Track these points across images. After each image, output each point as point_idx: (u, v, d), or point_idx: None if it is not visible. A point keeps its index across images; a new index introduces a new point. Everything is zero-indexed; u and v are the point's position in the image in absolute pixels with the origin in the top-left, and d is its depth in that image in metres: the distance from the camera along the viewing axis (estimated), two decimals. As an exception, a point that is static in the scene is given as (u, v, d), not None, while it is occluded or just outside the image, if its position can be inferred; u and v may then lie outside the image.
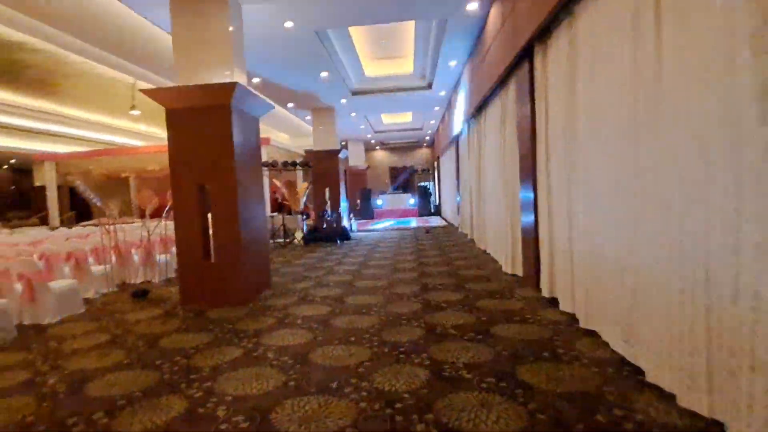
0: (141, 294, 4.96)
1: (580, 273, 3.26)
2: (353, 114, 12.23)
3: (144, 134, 14.92)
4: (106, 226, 5.34)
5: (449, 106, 11.43)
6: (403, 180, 20.66)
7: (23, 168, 17.49)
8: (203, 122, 4.46)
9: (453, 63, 7.99)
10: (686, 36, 1.98)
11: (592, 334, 3.06)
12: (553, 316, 3.59)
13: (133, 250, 6.17)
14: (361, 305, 4.28)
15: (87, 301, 5.03)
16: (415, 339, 3.23)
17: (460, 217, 10.80)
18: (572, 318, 3.45)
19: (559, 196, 3.72)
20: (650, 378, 2.27)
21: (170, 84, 5.55)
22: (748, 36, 1.60)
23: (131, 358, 3.16)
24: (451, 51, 7.38)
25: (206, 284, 4.55)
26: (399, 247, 8.39)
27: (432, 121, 14.83)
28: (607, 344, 2.84)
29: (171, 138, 4.51)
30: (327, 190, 10.67)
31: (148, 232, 5.47)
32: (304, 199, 12.02)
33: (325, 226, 10.27)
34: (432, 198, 18.28)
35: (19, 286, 4.19)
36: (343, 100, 10.35)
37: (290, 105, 10.56)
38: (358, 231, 12.35)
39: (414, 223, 14.35)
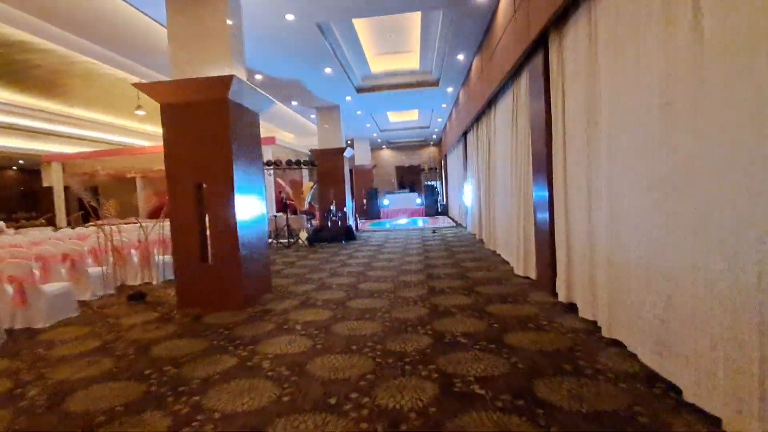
0: (137, 297, 4.79)
1: (603, 277, 2.99)
2: (359, 112, 12.02)
3: (150, 134, 14.87)
4: (102, 227, 5.17)
5: (457, 102, 11.16)
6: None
7: (31, 169, 17.61)
8: (200, 118, 4.27)
9: (461, 57, 7.72)
10: (732, 15, 1.71)
11: (617, 345, 2.79)
12: (572, 323, 3.32)
13: (133, 251, 6.03)
14: (365, 310, 4.06)
15: (83, 303, 4.88)
16: (421, 348, 2.99)
17: (468, 216, 10.52)
18: (593, 326, 3.19)
19: (579, 194, 3.45)
20: (689, 398, 2.01)
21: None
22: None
23: (119, 366, 2.97)
24: (459, 44, 7.11)
25: (204, 287, 4.36)
26: (405, 248, 8.15)
27: (439, 119, 14.56)
28: (634, 356, 2.57)
29: (166, 135, 4.33)
30: (332, 189, 10.47)
31: (145, 232, 5.30)
32: (309, 198, 11.84)
33: (330, 226, 10.07)
34: (439, 197, 17.99)
35: (10, 289, 4.04)
36: (348, 98, 10.14)
37: (294, 103, 10.37)
38: (364, 231, 12.14)
39: (421, 222, 14.10)
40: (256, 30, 5.88)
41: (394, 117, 14.76)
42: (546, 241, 4.23)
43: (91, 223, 8.64)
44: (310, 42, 6.51)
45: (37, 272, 5.08)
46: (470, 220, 10.17)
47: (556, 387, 2.29)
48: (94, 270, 5.26)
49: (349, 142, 18.18)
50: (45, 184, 15.93)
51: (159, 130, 4.42)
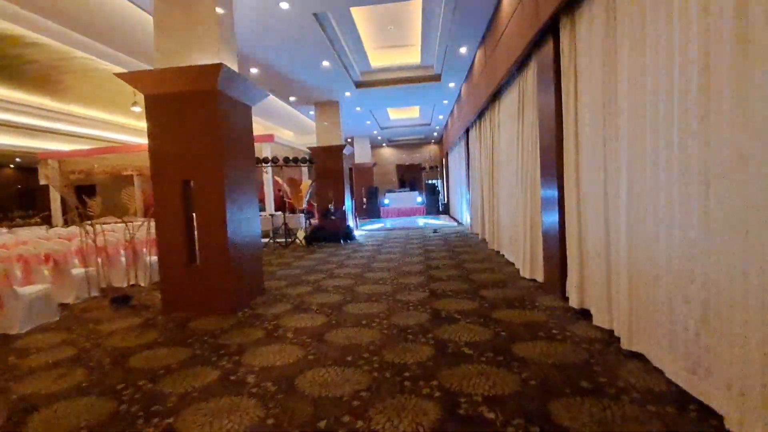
0: (122, 300, 4.53)
1: (622, 281, 2.71)
2: (358, 108, 11.74)
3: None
4: (84, 226, 4.92)
5: (459, 98, 10.87)
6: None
7: (28, 167, 17.38)
8: (187, 110, 4.00)
9: (463, 50, 7.44)
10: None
11: (639, 358, 2.52)
12: (586, 332, 3.05)
13: (122, 251, 5.77)
14: (362, 315, 3.79)
15: (65, 307, 4.64)
16: (423, 360, 2.72)
17: (470, 215, 10.24)
18: (610, 335, 2.91)
19: (594, 191, 3.18)
20: (732, 426, 1.74)
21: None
22: None
23: (91, 380, 2.71)
24: (462, 36, 6.83)
25: (191, 291, 4.10)
26: (405, 248, 7.88)
27: (440, 116, 14.27)
28: (660, 372, 2.30)
29: (151, 128, 4.06)
30: (330, 188, 10.21)
31: (131, 231, 5.04)
32: (308, 197, 11.59)
33: (328, 225, 9.81)
34: (440, 196, 17.72)
35: (-17, 293, 3.78)
36: (348, 94, 9.86)
37: (292, 99, 10.09)
38: (364, 230, 11.87)
39: (421, 222, 13.83)
40: (249, 20, 5.61)
41: (395, 114, 14.48)
42: (555, 242, 3.95)
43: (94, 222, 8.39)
44: (306, 33, 6.24)
45: (18, 273, 4.85)
46: (473, 220, 9.89)
47: (576, 409, 2.02)
48: (77, 271, 5.00)
49: (348, 140, 17.91)
50: (42, 182, 15.70)
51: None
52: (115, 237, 5.90)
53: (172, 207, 4.06)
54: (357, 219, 12.37)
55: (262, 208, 14.05)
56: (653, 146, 2.33)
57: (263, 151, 13.05)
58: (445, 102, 11.70)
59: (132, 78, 3.97)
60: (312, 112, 11.19)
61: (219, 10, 4.22)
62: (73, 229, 9.29)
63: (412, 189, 19.28)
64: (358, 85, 9.44)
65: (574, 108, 3.53)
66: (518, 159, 5.21)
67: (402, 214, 17.05)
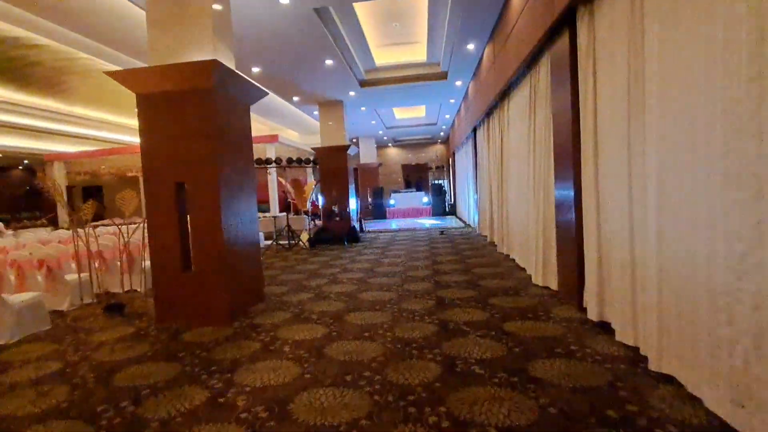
0: (115, 308, 4.36)
1: (650, 294, 2.45)
2: (363, 108, 11.52)
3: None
4: (76, 230, 4.76)
5: (466, 96, 10.60)
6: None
7: (36, 168, 17.45)
8: (180, 109, 3.81)
9: (471, 46, 7.18)
10: None
11: (671, 382, 2.26)
12: (608, 348, 2.79)
13: (123, 257, 5.61)
14: (365, 326, 3.56)
15: (59, 314, 4.48)
16: (429, 381, 2.48)
17: (478, 217, 9.97)
18: (635, 354, 2.65)
19: (616, 193, 2.92)
20: (793, 474, 1.48)
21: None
22: None
23: (72, 399, 2.52)
24: (470, 31, 6.56)
25: (185, 299, 3.91)
26: (411, 251, 7.64)
27: (447, 116, 14.00)
28: (698, 401, 2.04)
29: (143, 128, 3.88)
30: (335, 188, 10.00)
31: (125, 235, 4.87)
32: (313, 197, 11.40)
33: (332, 226, 9.61)
34: (447, 197, 17.43)
35: (-31, 302, 3.63)
36: (352, 93, 9.65)
37: (296, 99, 9.91)
38: (369, 231, 11.66)
39: (428, 223, 13.57)
40: (248, 17, 5.41)
41: (401, 113, 14.24)
42: (571, 247, 3.69)
43: (100, 223, 8.29)
44: (308, 30, 6.03)
45: (12, 279, 4.71)
46: (480, 221, 9.62)
47: (603, 446, 1.77)
48: (73, 277, 4.84)
49: (354, 140, 17.71)
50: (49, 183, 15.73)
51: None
52: (113, 240, 5.75)
53: (165, 211, 3.87)
54: (362, 220, 12.15)
55: (267, 210, 13.93)
56: (690, 145, 2.07)
57: (267, 151, 12.89)
58: (452, 101, 11.44)
59: (123, 76, 3.78)
60: (316, 112, 11.00)
61: (216, 7, 4.03)
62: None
63: (418, 189, 19.02)
64: (363, 84, 9.23)
65: (593, 105, 3.26)
66: (529, 159, 4.95)
67: (408, 215, 16.81)
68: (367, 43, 7.59)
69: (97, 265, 5.52)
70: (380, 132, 16.70)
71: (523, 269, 5.40)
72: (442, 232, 10.42)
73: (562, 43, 3.77)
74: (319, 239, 9.28)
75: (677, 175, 2.19)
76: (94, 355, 3.24)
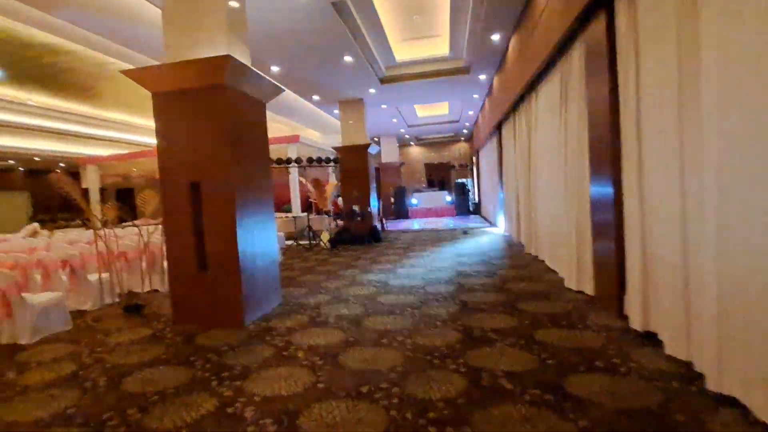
0: (134, 309, 4.34)
1: (707, 303, 2.13)
2: (384, 106, 11.33)
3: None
4: (98, 231, 4.79)
5: (490, 91, 10.23)
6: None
7: (72, 171, 18.26)
8: (194, 107, 3.73)
9: (496, 37, 6.85)
10: None
11: (734, 405, 1.94)
12: (656, 363, 2.47)
13: (144, 256, 5.65)
14: (383, 332, 3.36)
15: (81, 314, 4.51)
16: (452, 396, 2.26)
17: (504, 216, 9.59)
18: (688, 369, 2.33)
19: (664, 189, 2.59)
20: None
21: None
22: None
23: (81, 405, 2.44)
24: (494, 22, 6.25)
25: (201, 301, 3.83)
26: (434, 251, 7.38)
27: (470, 112, 13.62)
28: (766, 426, 1.72)
29: (158, 128, 3.83)
30: (355, 188, 9.86)
31: (144, 236, 4.87)
32: (332, 198, 11.31)
33: (353, 226, 9.47)
34: (470, 195, 17.00)
35: (-7, 301, 3.66)
36: (372, 90, 9.48)
37: (316, 98, 9.83)
38: (391, 231, 11.46)
39: (451, 223, 13.24)
40: (265, 14, 5.33)
41: (422, 111, 13.98)
42: (610, 248, 3.36)
43: (130, 224, 8.50)
44: (326, 26, 5.89)
45: (39, 278, 4.79)
46: (506, 221, 9.24)
47: (660, 485, 1.49)
48: (95, 277, 4.87)
49: (375, 139, 17.57)
50: (83, 185, 16.40)
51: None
52: (136, 241, 5.79)
53: (181, 211, 3.80)
54: (383, 220, 11.97)
55: (289, 210, 13.97)
56: (758, 133, 1.75)
57: (289, 151, 12.92)
58: (476, 96, 11.08)
59: (138, 75, 3.74)
60: (337, 111, 10.90)
61: (232, 4, 3.94)
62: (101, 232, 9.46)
63: (441, 188, 18.67)
64: (383, 80, 9.04)
65: (635, 93, 2.94)
66: (561, 154, 4.61)
67: (430, 215, 16.50)
68: (387, 38, 7.39)
69: (120, 265, 5.59)
70: (402, 130, 16.48)
71: (554, 272, 5.06)
72: (465, 232, 10.09)
73: (598, 27, 3.45)
74: (340, 239, 9.16)
75: (743, 169, 1.87)
76: (109, 358, 3.19)
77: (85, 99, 11.91)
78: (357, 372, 2.64)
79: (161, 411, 2.31)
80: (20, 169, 17.05)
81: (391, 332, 3.34)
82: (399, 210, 16.58)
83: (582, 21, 3.71)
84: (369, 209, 9.94)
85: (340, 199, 11.01)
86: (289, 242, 9.59)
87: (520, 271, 5.32)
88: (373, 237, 9.36)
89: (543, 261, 5.72)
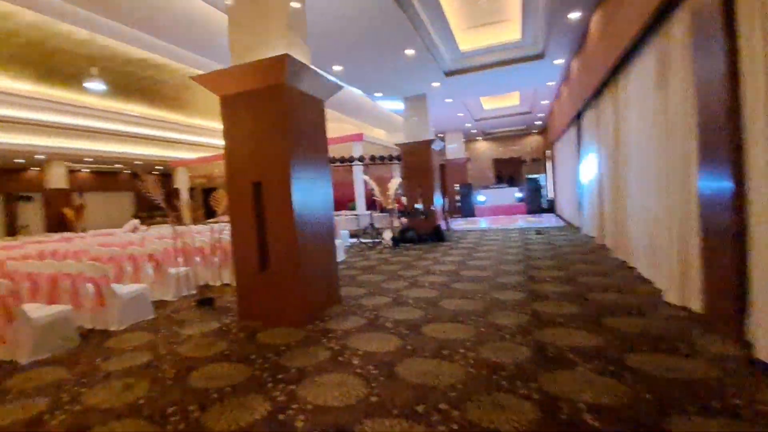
0: (206, 302, 4.60)
1: None
2: (448, 100, 10.91)
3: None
4: (176, 227, 5.17)
5: (567, 77, 9.30)
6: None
7: (166, 173, 20.56)
8: (256, 108, 3.80)
9: (575, 15, 6.13)
10: None
11: None
12: (802, 411, 1.90)
13: (218, 252, 6.03)
14: (444, 341, 3.11)
15: (163, 304, 4.89)
16: (521, 427, 1.94)
17: (584, 214, 8.67)
18: None
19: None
20: None
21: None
22: None
23: (149, 396, 2.56)
24: (574, -2, 5.58)
25: (263, 298, 3.90)
26: (502, 253, 6.88)
27: (545, 101, 12.58)
28: None
29: (225, 130, 3.97)
30: (419, 185, 9.62)
31: (217, 233, 5.14)
32: (396, 195, 11.20)
33: (416, 225, 9.25)
34: (543, 192, 15.80)
35: (91, 288, 4.09)
36: (436, 84, 9.14)
37: (378, 95, 9.76)
38: (455, 230, 11.03)
39: (522, 221, 12.38)
40: (326, 13, 5.32)
41: (490, 103, 13.25)
42: (727, 258, 2.73)
43: (212, 220, 9.32)
44: (385, 18, 5.73)
45: (130, 270, 5.30)
46: (587, 220, 8.34)
47: None
48: (176, 270, 5.28)
49: (440, 135, 17.13)
50: (175, 186, 18.35)
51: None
52: (210, 237, 6.18)
53: (244, 210, 3.90)
54: (448, 218, 11.58)
55: (354, 208, 14.19)
56: None
57: (353, 150, 13.10)
58: (550, 84, 10.17)
59: (206, 80, 3.91)
60: (400, 108, 10.73)
61: (294, 5, 3.94)
62: (186, 228, 10.38)
63: (511, 185, 17.62)
64: (448, 73, 8.65)
65: (764, 66, 2.31)
66: (658, 143, 3.92)
67: (499, 213, 15.66)
68: (450, 26, 7.01)
69: (199, 259, 6.01)
70: (468, 125, 15.83)
71: (649, 281, 4.35)
72: (538, 232, 9.32)
73: (712, -14, 2.81)
74: (403, 238, 9.01)
75: None
76: (180, 349, 3.36)
77: (174, 107, 13.22)
78: (413, 387, 2.43)
79: (218, 411, 2.32)
80: (125, 171, 19.47)
81: (453, 343, 3.07)
82: (465, 208, 15.98)
83: (689, -18, 3.07)
84: (433, 207, 9.64)
85: (404, 198, 10.86)
86: (353, 240, 9.67)
87: (604, 279, 4.67)
88: (436, 236, 9.06)
89: (634, 268, 4.98)
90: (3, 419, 2.39)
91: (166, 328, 3.96)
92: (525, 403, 2.15)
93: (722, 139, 2.73)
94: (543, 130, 17.67)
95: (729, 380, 2.23)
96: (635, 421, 1.92)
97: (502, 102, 13.22)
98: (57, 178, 14.69)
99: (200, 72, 8.50)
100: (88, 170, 18.17)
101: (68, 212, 14.72)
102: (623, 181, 5.41)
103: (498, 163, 19.22)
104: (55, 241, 8.65)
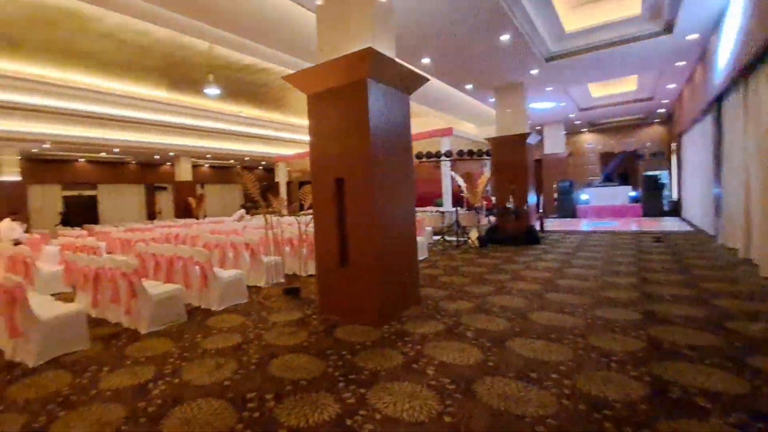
0: (292, 292, 4.83)
1: None
2: (549, 88, 9.90)
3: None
4: (269, 219, 5.51)
5: (703, 56, 7.69)
6: (614, 167, 16.11)
7: (269, 168, 22.67)
8: (340, 104, 3.80)
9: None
10: None
11: None
12: None
13: (305, 244, 6.34)
14: (533, 361, 2.73)
15: (257, 290, 5.28)
16: (632, 490, 1.55)
17: (721, 221, 7.13)
18: None
19: None
20: None
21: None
22: None
23: (234, 379, 2.71)
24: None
25: (342, 294, 3.93)
26: (609, 262, 5.99)
27: (671, 85, 10.66)
28: None
29: (311, 127, 4.06)
30: (510, 182, 8.93)
31: (304, 225, 5.36)
32: (486, 192, 10.59)
33: (507, 224, 8.61)
34: (666, 192, 13.51)
35: (198, 270, 4.57)
36: (534, 72, 8.33)
37: (468, 87, 9.27)
38: (551, 232, 10.03)
39: (636, 226, 10.74)
40: (412, 4, 5.12)
41: (599, 90, 11.71)
42: None
43: (306, 212, 9.99)
44: (477, 3, 5.31)
45: (231, 256, 5.85)
46: (725, 227, 6.83)
47: None
48: (268, 259, 5.66)
49: (537, 128, 15.78)
50: (276, 180, 20.12)
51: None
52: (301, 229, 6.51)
53: (327, 206, 3.96)
54: (543, 218, 10.58)
55: (440, 204, 13.87)
56: None
57: (442, 145, 12.76)
58: (681, 64, 8.54)
59: (296, 79, 4.03)
60: (492, 99, 10.08)
61: (382, -1, 3.85)
62: (277, 220, 11.20)
63: (623, 183, 15.44)
64: (549, 58, 7.80)
65: None
66: None
67: (605, 214, 13.86)
68: (553, 4, 6.26)
69: (288, 249, 6.39)
70: (571, 115, 14.26)
71: (821, 312, 3.32)
72: (658, 239, 7.93)
73: None
74: (491, 238, 8.47)
75: None
76: (265, 335, 3.54)
77: (276, 108, 14.39)
78: (493, 412, 2.15)
79: (291, 404, 2.35)
80: (237, 166, 21.89)
81: (544, 365, 2.68)
82: (563, 207, 14.50)
83: None
84: (526, 206, 8.87)
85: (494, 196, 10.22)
86: (437, 237, 9.42)
87: (749, 304, 3.71)
88: (529, 238, 8.32)
89: (796, 292, 3.87)
90: (116, 383, 2.75)
91: (256, 313, 4.24)
92: (637, 458, 1.73)
93: None
94: (667, 119, 15.10)
95: None
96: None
97: (614, 88, 11.58)
98: (184, 171, 17.15)
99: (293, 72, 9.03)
100: (207, 165, 20.89)
101: (192, 201, 17.10)
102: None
103: (606, 157, 17.00)
104: (179, 227, 10.06)
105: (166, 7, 5.16)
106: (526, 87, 9.25)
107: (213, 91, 10.09)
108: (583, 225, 11.62)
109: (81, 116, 10.58)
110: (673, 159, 13.66)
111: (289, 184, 19.55)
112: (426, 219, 9.19)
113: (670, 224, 10.57)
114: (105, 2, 5.52)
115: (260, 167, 23.26)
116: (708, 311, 3.56)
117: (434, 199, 15.65)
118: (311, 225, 5.62)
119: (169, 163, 18.67)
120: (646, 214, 12.98)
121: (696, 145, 9.51)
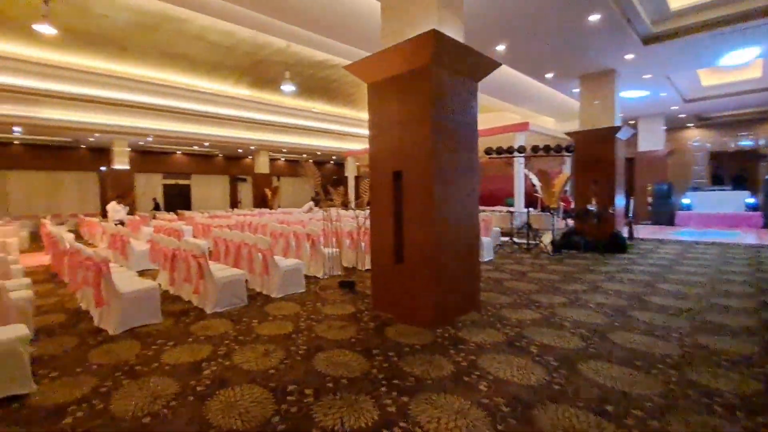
0: (347, 285, 4.79)
1: None
2: (647, 76, 8.66)
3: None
4: (329, 213, 5.52)
5: None
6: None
7: (340, 162, 23.36)
8: (400, 93, 3.61)
9: None
10: None
11: None
12: None
13: (363, 238, 6.30)
14: (610, 392, 2.31)
15: (315, 280, 5.36)
16: None
17: None
18: None
19: None
20: None
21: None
22: None
23: (279, 370, 2.70)
24: None
25: (396, 292, 3.76)
26: (716, 279, 5.02)
27: (813, 69, 8.69)
28: None
29: (370, 118, 3.93)
30: (593, 183, 8.00)
31: (363, 219, 5.29)
32: (564, 193, 9.66)
33: (587, 229, 7.74)
34: (797, 199, 11.16)
35: (260, 257, 4.74)
36: (629, 56, 7.30)
37: (549, 76, 8.45)
38: (641, 240, 8.82)
39: (753, 238, 9.02)
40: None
41: (711, 78, 10.01)
42: None
43: (353, 209, 10.11)
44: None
45: (293, 245, 6.01)
46: None
47: None
48: (328, 251, 5.71)
49: (630, 122, 14.04)
50: (345, 174, 20.65)
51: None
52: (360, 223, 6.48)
53: (383, 200, 3.81)
54: (632, 224, 9.34)
55: (511, 203, 13.04)
56: None
57: (516, 140, 11.94)
58: (830, 40, 6.87)
59: (356, 68, 3.92)
60: (576, 90, 9.12)
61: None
62: (348, 213, 11.37)
63: (737, 187, 13.12)
64: (647, 40, 6.78)
65: None
66: None
67: (713, 223, 11.90)
68: (661, -24, 5.38)
69: (348, 242, 6.40)
70: (674, 108, 12.40)
71: None
72: (782, 256, 6.53)
73: None
74: (566, 243, 7.68)
75: None
76: (316, 327, 3.52)
77: (346, 103, 14.68)
78: (555, 446, 1.82)
79: (329, 403, 2.25)
80: (309, 161, 22.90)
81: (624, 397, 2.24)
82: (659, 213, 12.76)
83: None
84: (611, 209, 7.88)
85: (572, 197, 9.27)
86: (505, 239, 8.82)
87: None
88: (613, 245, 7.38)
89: None
90: (176, 358, 2.89)
91: (311, 304, 4.26)
92: None
93: None
94: (803, 112, 12.44)
95: None
96: None
97: (732, 75, 9.81)
98: (262, 164, 18.36)
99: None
100: (283, 159, 22.15)
101: (268, 192, 18.26)
102: None
103: (717, 156, 14.56)
104: (253, 215, 10.73)
105: (245, 6, 5.42)
106: (618, 74, 8.19)
107: (289, 87, 10.55)
108: (683, 234, 10.06)
109: (177, 112, 11.79)
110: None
111: (357, 178, 19.91)
112: (494, 219, 8.63)
113: (802, 238, 8.68)
114: (191, 4, 5.98)
115: (331, 161, 24.07)
116: None
117: (505, 198, 14.77)
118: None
119: (249, 157, 20.14)
120: (767, 225, 10.86)
121: None
